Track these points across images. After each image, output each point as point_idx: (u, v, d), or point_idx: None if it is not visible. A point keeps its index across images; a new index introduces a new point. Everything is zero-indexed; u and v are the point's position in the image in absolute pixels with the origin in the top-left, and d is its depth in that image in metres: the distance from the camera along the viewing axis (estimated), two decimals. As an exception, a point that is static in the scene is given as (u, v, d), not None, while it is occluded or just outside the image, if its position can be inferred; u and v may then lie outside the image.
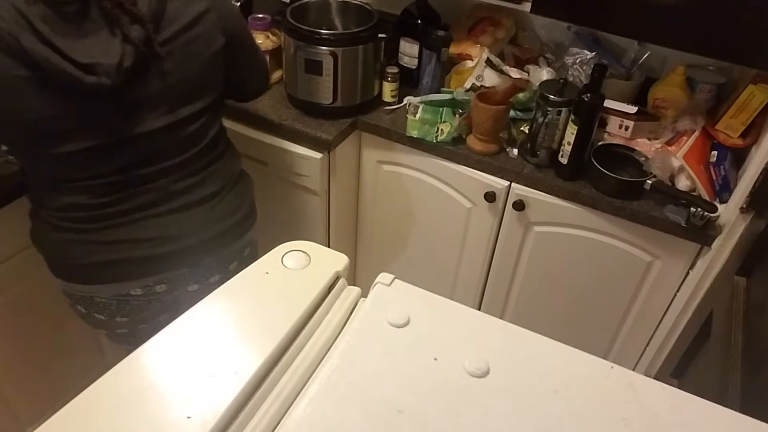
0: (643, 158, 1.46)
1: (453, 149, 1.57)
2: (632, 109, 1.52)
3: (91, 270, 1.10)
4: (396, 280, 0.71)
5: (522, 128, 1.58)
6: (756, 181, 1.27)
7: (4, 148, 1.14)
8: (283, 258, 0.74)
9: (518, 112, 1.63)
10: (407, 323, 0.65)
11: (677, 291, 1.51)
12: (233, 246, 1.22)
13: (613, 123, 1.56)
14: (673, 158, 1.43)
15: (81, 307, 1.16)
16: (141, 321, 1.20)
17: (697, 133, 1.47)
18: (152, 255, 1.11)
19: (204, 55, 1.05)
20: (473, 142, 1.56)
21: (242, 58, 1.19)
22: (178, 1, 1.00)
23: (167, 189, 1.09)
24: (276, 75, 1.74)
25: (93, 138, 0.98)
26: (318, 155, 1.59)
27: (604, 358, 0.63)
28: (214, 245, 1.18)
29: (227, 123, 1.66)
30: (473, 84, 1.61)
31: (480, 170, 1.56)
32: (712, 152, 1.43)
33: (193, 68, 1.04)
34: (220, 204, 1.18)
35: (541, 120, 1.46)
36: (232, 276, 1.18)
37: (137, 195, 1.07)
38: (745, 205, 1.30)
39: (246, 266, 1.01)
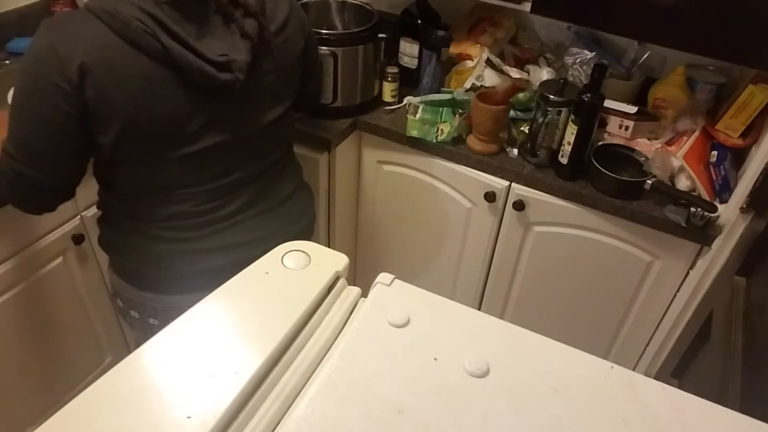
0: (643, 158, 1.46)
1: (453, 149, 1.57)
2: (632, 109, 1.52)
3: (186, 280, 1.08)
4: (396, 280, 0.71)
5: (522, 128, 1.58)
6: (756, 181, 1.27)
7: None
8: (283, 258, 0.74)
9: (518, 112, 1.63)
10: (407, 323, 0.65)
11: (677, 291, 1.51)
12: None
13: (613, 123, 1.56)
14: (673, 158, 1.43)
15: (155, 319, 1.13)
16: None
17: (697, 133, 1.47)
18: (244, 259, 1.09)
19: (293, 55, 1.07)
20: (473, 142, 1.56)
21: (312, 64, 1.20)
22: (272, 2, 1.02)
23: (258, 190, 1.10)
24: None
25: (211, 137, 0.99)
26: (318, 155, 1.59)
27: (604, 358, 0.63)
28: None
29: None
30: (473, 84, 1.61)
31: (480, 170, 1.56)
32: (712, 152, 1.43)
33: (288, 67, 1.06)
34: (296, 204, 1.19)
35: (541, 120, 1.46)
36: None
37: (236, 198, 1.07)
38: (745, 205, 1.30)
39: None
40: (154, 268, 1.08)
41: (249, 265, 1.08)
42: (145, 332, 1.18)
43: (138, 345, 0.60)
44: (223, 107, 0.98)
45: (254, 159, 1.08)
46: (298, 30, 1.08)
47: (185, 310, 1.09)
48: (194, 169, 1.01)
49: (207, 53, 0.91)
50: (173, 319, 1.10)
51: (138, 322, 1.16)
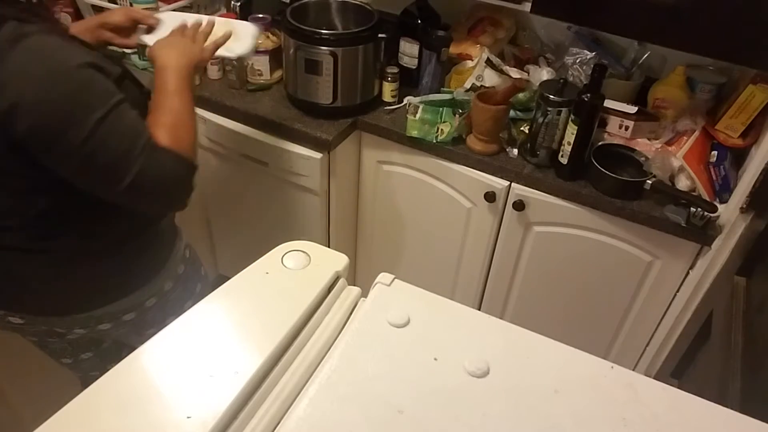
0: (643, 158, 1.46)
1: (453, 149, 1.57)
2: (632, 109, 1.52)
3: None
4: (396, 280, 0.71)
5: (522, 128, 1.58)
6: (756, 181, 1.27)
7: None
8: (283, 258, 0.74)
9: (518, 112, 1.63)
10: (407, 323, 0.65)
11: (677, 291, 1.51)
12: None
13: (613, 123, 1.56)
14: (673, 158, 1.43)
15: None
16: None
17: (697, 133, 1.47)
18: None
19: None
20: (473, 142, 1.56)
21: (53, 154, 0.89)
22: None
23: None
24: (276, 75, 1.74)
25: None
26: (318, 155, 1.59)
27: (604, 358, 0.63)
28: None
29: (228, 123, 1.67)
30: (473, 84, 1.61)
31: (480, 170, 1.56)
32: (712, 152, 1.43)
33: None
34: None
35: (541, 120, 1.46)
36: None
37: None
38: (745, 205, 1.30)
39: None
40: None
41: None
42: None
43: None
44: None
45: None
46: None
47: None
48: None
49: None
50: None
51: None
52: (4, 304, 1.09)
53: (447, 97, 1.62)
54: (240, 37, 1.28)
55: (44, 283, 1.06)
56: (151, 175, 0.93)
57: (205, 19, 1.24)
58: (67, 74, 0.85)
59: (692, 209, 1.35)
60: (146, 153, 0.92)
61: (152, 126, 0.96)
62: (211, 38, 1.21)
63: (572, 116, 1.41)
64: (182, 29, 1.18)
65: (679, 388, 0.61)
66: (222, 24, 1.29)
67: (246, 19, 1.68)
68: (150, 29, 1.26)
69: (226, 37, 1.23)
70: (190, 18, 1.28)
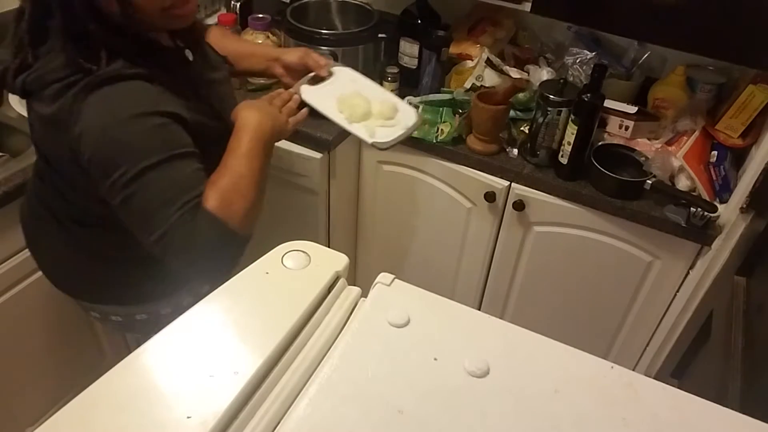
0: (643, 158, 1.46)
1: (453, 149, 1.57)
2: (632, 109, 1.52)
3: None
4: (396, 280, 0.71)
5: (522, 128, 1.58)
6: (756, 181, 1.27)
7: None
8: (283, 258, 0.74)
9: (518, 112, 1.63)
10: (407, 323, 0.65)
11: (677, 291, 1.51)
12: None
13: (613, 123, 1.56)
14: (673, 158, 1.43)
15: None
16: None
17: (697, 133, 1.47)
18: None
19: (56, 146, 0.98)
20: (473, 142, 1.56)
21: (107, 189, 0.92)
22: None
23: None
24: (276, 75, 1.73)
25: None
26: (318, 155, 1.59)
27: (604, 358, 0.63)
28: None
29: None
30: (473, 84, 1.62)
31: (480, 170, 1.56)
32: (712, 152, 1.43)
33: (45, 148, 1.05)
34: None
35: (541, 120, 1.46)
36: None
37: None
38: (745, 205, 1.30)
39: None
40: None
41: None
42: None
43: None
44: None
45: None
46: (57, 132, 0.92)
47: None
48: None
49: None
50: None
51: None
52: (41, 264, 1.23)
53: (447, 97, 1.62)
54: (393, 122, 1.16)
55: (70, 263, 1.16)
56: (182, 235, 0.89)
57: (367, 86, 1.23)
58: (127, 121, 0.89)
59: (692, 209, 1.36)
60: (185, 211, 0.89)
61: (208, 185, 0.92)
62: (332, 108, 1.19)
63: (572, 116, 1.41)
64: (270, 98, 1.14)
65: (679, 388, 0.61)
66: (383, 98, 1.19)
67: (246, 19, 1.68)
68: (317, 79, 1.22)
69: (303, 115, 1.14)
70: (361, 79, 1.24)
